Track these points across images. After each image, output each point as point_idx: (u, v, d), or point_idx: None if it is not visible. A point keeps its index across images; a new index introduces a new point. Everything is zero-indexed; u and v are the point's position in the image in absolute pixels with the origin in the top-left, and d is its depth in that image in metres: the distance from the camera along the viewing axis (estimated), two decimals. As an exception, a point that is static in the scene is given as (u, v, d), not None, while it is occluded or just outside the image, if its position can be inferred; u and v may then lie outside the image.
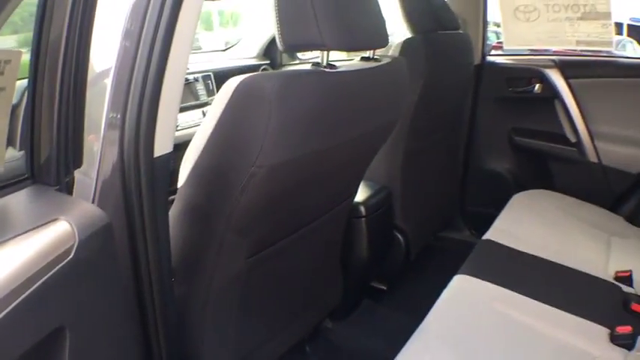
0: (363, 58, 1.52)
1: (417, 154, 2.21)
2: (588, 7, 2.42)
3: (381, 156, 1.78)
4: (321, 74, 1.28)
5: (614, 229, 2.30)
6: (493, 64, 2.77)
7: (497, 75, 2.75)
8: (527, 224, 2.14)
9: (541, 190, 2.49)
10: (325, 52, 1.29)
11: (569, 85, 2.59)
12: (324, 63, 1.30)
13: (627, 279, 1.85)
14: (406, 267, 2.32)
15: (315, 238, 1.68)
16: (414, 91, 2.03)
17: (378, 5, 1.43)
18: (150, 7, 1.04)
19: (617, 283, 1.81)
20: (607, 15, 2.43)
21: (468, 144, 2.79)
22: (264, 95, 1.16)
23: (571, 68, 2.62)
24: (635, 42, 9.85)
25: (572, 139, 2.63)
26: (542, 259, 1.88)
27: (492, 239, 1.95)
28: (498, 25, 2.72)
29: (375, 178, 2.10)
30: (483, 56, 2.76)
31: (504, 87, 2.73)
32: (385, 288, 2.33)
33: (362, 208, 1.99)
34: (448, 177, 2.65)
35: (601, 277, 1.84)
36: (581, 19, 2.46)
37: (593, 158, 2.58)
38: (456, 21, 2.35)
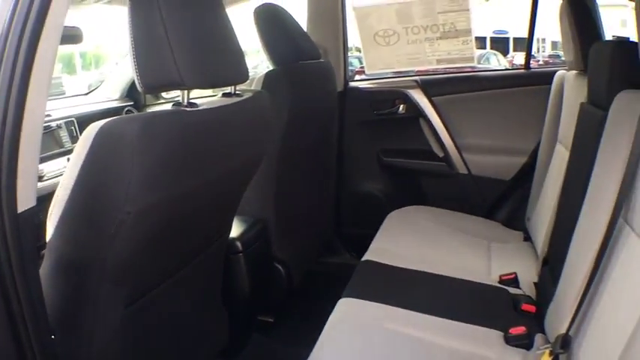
0: (224, 94, 1.55)
1: (290, 183, 2.25)
2: (447, 25, 2.59)
3: (252, 188, 1.79)
4: (182, 114, 1.29)
5: (493, 235, 2.44)
6: (356, 89, 2.88)
7: (361, 100, 2.86)
8: (405, 240, 2.23)
9: (415, 206, 2.60)
10: (185, 91, 1.31)
11: (433, 103, 2.75)
12: (185, 102, 1.31)
13: (513, 281, 1.95)
14: (290, 297, 2.36)
15: (194, 279, 1.67)
16: (281, 122, 2.07)
17: (237, 41, 1.46)
18: (5, 55, 1.02)
19: (503, 286, 1.91)
20: (467, 32, 2.61)
21: (339, 168, 2.87)
22: (124, 139, 1.15)
23: (433, 87, 2.78)
24: (498, 54, 10.47)
25: (440, 154, 2.79)
26: (424, 272, 1.95)
27: (372, 259, 2.00)
28: (360, 50, 2.85)
29: (249, 212, 2.10)
30: (346, 83, 2.86)
31: (369, 111, 2.84)
32: (272, 320, 2.34)
33: (238, 244, 1.99)
34: (323, 202, 2.71)
35: (486, 282, 1.93)
36: (440, 38, 2.63)
37: (462, 170, 2.75)
38: (316, 50, 2.43)
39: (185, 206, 1.37)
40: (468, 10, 2.57)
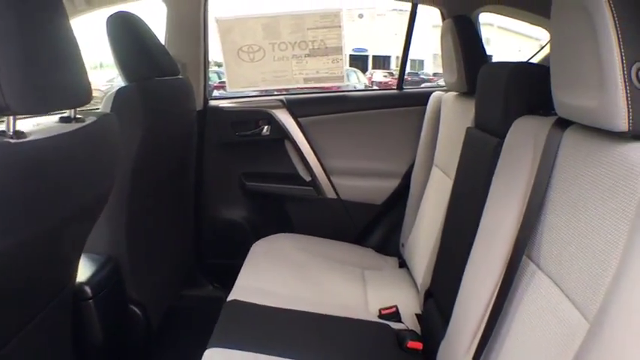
0: (62, 119, 1.32)
1: (144, 213, 2.04)
2: (317, 43, 2.46)
3: (101, 223, 1.60)
4: (6, 146, 1.06)
5: (366, 262, 2.35)
6: (217, 108, 2.69)
7: (222, 120, 2.67)
8: (273, 273, 2.07)
9: (282, 234, 2.45)
10: (11, 118, 1.08)
11: (299, 124, 2.62)
12: (11, 131, 1.08)
13: (394, 315, 1.86)
14: (150, 340, 2.12)
15: (41, 335, 1.47)
16: (132, 145, 1.85)
17: (80, 55, 1.25)
18: None
19: (384, 321, 1.81)
20: (338, 50, 2.50)
21: (198, 195, 2.68)
22: None
23: (300, 106, 2.65)
24: (358, 71, 10.67)
25: (307, 178, 2.66)
26: (297, 311, 1.80)
27: (238, 299, 1.83)
28: (220, 65, 2.67)
29: (98, 249, 1.88)
30: (206, 101, 2.67)
31: (230, 132, 2.66)
32: None
33: (87, 289, 1.75)
34: (182, 232, 2.50)
35: (366, 318, 1.82)
36: (309, 55, 2.49)
37: (331, 195, 2.63)
38: (174, 66, 2.22)
39: (18, 259, 1.14)
40: (339, 26, 2.45)
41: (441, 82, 2.63)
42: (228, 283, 1.99)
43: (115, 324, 1.91)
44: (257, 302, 1.80)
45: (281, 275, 2.07)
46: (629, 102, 0.87)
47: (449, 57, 2.08)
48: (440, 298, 1.74)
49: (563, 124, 1.14)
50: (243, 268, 2.09)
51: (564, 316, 0.99)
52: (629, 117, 0.87)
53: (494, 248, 1.27)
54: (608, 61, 0.88)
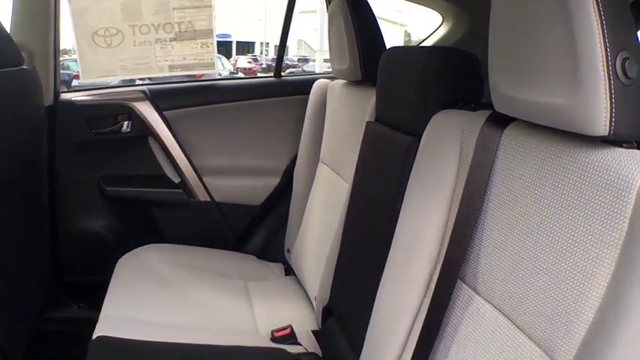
0: None
1: None
2: (184, 24, 2.20)
3: None
4: None
5: (248, 272, 2.15)
6: (69, 102, 2.33)
7: (75, 115, 2.33)
8: (143, 295, 1.82)
9: (150, 246, 2.19)
10: None
11: (164, 118, 2.33)
12: None
13: (289, 337, 1.67)
14: None
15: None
16: None
17: None
18: None
19: (278, 345, 1.62)
20: (208, 32, 2.24)
21: (51, 203, 2.34)
22: None
23: (164, 99, 2.36)
24: (223, 57, 10.27)
25: (176, 180, 2.39)
26: (174, 345, 1.55)
27: (104, 334, 1.55)
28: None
29: None
30: (56, 95, 2.31)
31: (86, 129, 2.31)
32: None
33: None
34: (37, 247, 2.18)
35: (257, 344, 1.62)
36: (175, 39, 2.22)
37: (204, 197, 2.37)
38: (18, 54, 1.88)
39: None
40: (210, 6, 2.19)
41: (307, 68, 2.43)
42: (95, 301, 1.79)
43: None
44: (126, 336, 1.54)
45: (152, 297, 1.81)
46: (612, 100, 0.70)
47: (339, 41, 1.88)
48: (344, 317, 1.56)
49: (499, 120, 0.98)
50: (108, 292, 1.81)
51: (521, 353, 0.84)
52: (610, 118, 0.71)
53: (415, 267, 1.11)
54: (585, 50, 0.71)
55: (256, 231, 2.43)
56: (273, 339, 1.66)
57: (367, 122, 1.58)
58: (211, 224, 2.39)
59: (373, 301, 1.26)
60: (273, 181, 2.39)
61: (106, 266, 2.03)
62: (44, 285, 2.25)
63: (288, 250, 2.19)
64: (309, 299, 1.92)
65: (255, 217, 2.42)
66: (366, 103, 1.64)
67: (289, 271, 2.18)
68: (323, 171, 2.02)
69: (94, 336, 1.53)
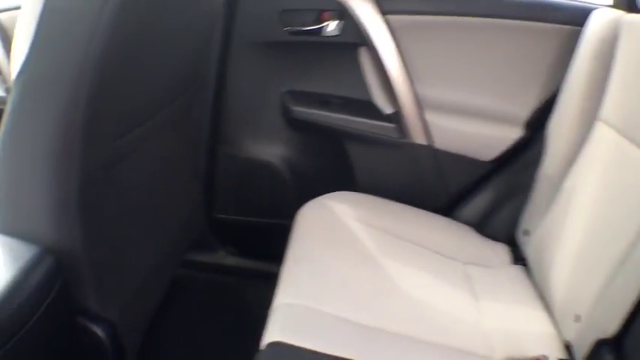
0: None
1: (117, 161, 1.29)
2: None
3: (35, 188, 1.11)
4: None
5: (467, 251, 1.62)
6: None
7: (264, 6, 1.83)
8: (332, 274, 1.36)
9: (343, 195, 1.71)
10: None
11: (388, 25, 1.76)
12: None
13: None
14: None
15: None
16: (96, 38, 1.06)
17: None
18: None
19: None
20: None
21: (214, 121, 1.90)
22: None
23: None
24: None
25: (387, 110, 1.84)
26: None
27: (281, 340, 1.12)
28: None
29: (29, 234, 1.16)
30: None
31: (276, 25, 1.82)
32: None
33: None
34: (190, 174, 1.77)
35: None
36: None
37: (420, 139, 1.81)
38: None
39: None
40: None
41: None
42: (249, 247, 1.64)
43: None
44: (308, 346, 1.12)
45: (343, 275, 1.36)
46: None
47: None
48: None
49: None
50: (285, 264, 1.40)
51: None
52: None
53: None
54: None
55: (478, 195, 1.85)
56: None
57: None
58: (422, 176, 1.85)
59: None
60: (513, 133, 1.79)
61: (272, 208, 1.80)
62: (194, 221, 1.84)
63: (526, 232, 1.62)
64: (551, 308, 1.38)
65: (481, 176, 1.84)
66: None
67: (518, 258, 1.64)
68: (605, 134, 1.42)
69: (268, 338, 1.14)
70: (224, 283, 1.65)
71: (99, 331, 1.26)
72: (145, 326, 1.51)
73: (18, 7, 1.11)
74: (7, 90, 1.76)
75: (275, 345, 1.11)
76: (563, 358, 1.24)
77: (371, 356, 1.10)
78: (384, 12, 1.76)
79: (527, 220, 1.64)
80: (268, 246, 1.73)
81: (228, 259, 2.00)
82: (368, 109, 1.84)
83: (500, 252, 1.67)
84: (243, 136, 1.92)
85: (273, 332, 1.15)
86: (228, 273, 1.75)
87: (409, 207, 1.74)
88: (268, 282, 1.47)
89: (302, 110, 1.87)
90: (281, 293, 1.27)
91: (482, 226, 1.77)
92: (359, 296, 1.29)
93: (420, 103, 1.79)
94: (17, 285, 1.05)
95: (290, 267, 1.37)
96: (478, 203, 1.83)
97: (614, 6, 1.59)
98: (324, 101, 1.87)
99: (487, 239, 1.72)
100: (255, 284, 1.80)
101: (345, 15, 1.78)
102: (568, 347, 1.26)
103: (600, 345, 1.16)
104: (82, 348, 1.28)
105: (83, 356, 1.29)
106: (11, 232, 1.15)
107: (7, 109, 1.11)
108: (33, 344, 1.08)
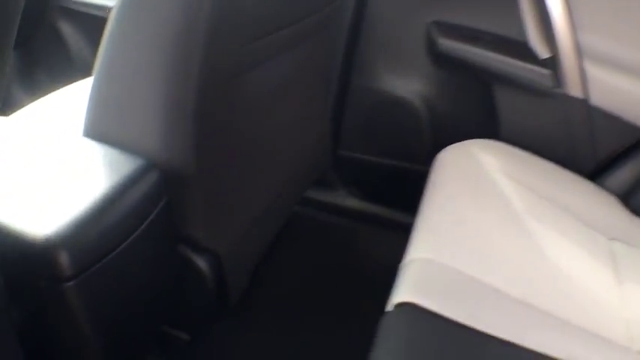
0: None
1: (243, 70, 1.18)
2: None
3: (144, 97, 1.02)
4: None
5: (612, 224, 1.45)
6: None
7: None
8: (473, 228, 1.23)
9: (486, 143, 1.56)
10: None
11: None
12: None
13: None
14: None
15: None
16: None
17: None
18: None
19: None
20: None
21: (349, 46, 1.75)
22: None
23: None
24: None
25: (544, 54, 1.64)
26: (511, 346, 0.97)
27: (411, 301, 1.00)
28: None
29: (134, 145, 1.06)
30: None
31: None
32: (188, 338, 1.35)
33: (63, 257, 0.88)
34: (317, 102, 1.65)
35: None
36: None
37: (576, 91, 1.62)
38: None
39: None
40: None
41: None
42: (373, 192, 1.59)
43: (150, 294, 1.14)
44: (442, 308, 1.00)
45: (486, 232, 1.23)
46: None
47: None
48: None
49: None
50: (422, 210, 1.28)
51: None
52: None
53: None
54: None
55: (629, 163, 1.67)
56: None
57: None
58: (571, 133, 1.67)
59: None
60: None
61: (404, 150, 1.68)
62: (320, 155, 1.73)
63: None
64: None
65: (635, 142, 1.65)
66: None
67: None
68: None
69: (397, 298, 1.01)
70: (343, 227, 1.56)
71: (202, 263, 1.17)
72: (253, 265, 1.41)
73: None
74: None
75: (406, 306, 0.99)
76: None
77: (522, 338, 0.98)
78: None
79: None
80: (395, 191, 1.63)
81: (349, 200, 1.89)
82: (521, 50, 1.66)
83: (648, 228, 1.51)
84: (379, 66, 1.78)
85: (405, 291, 1.02)
86: (348, 216, 1.64)
87: (555, 166, 1.59)
88: (393, 231, 1.36)
89: (449, 44, 1.70)
90: (415, 246, 1.15)
91: (629, 199, 1.60)
92: (506, 261, 1.16)
93: (580, 52, 1.61)
94: (116, 197, 0.97)
95: (427, 217, 1.24)
96: (627, 173, 1.65)
97: None
98: (474, 37, 1.70)
99: (634, 215, 1.56)
100: (378, 232, 1.71)
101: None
102: None
103: None
104: (182, 280, 1.20)
105: (181, 289, 1.20)
106: (115, 142, 1.07)
107: (119, 4, 1.01)
108: (127, 266, 1.00)
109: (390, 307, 1.00)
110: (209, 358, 1.48)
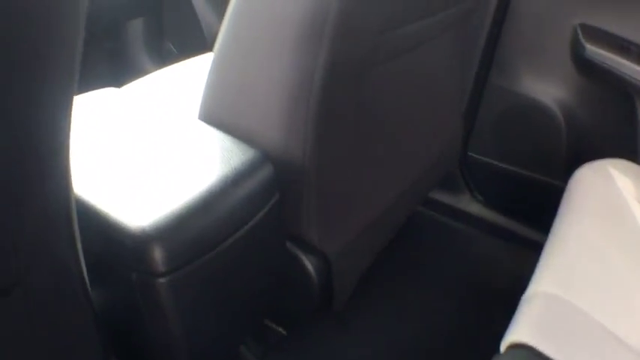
0: None
1: (377, 62, 1.07)
2: None
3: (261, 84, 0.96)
4: None
5: None
6: None
7: None
8: (607, 265, 1.11)
9: (626, 163, 1.40)
10: None
11: None
12: None
13: None
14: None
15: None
16: None
17: None
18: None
19: None
20: None
21: (490, 43, 1.64)
22: None
23: None
24: None
25: None
26: None
27: (524, 341, 0.89)
28: None
29: (248, 134, 1.01)
30: None
31: None
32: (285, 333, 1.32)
33: (157, 252, 0.83)
34: (451, 100, 1.56)
35: None
36: None
37: None
38: None
39: None
40: None
41: None
42: (498, 201, 1.54)
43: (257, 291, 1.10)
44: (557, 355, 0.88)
45: (628, 268, 1.09)
46: None
47: None
48: None
49: None
50: (553, 233, 1.15)
51: None
52: None
53: None
54: None
55: None
56: None
57: None
58: None
59: None
60: None
61: (538, 160, 1.57)
62: (448, 157, 1.65)
63: None
64: None
65: None
66: None
67: None
68: None
69: (513, 337, 0.90)
70: (462, 233, 1.47)
71: (309, 264, 1.11)
72: (363, 270, 1.33)
73: None
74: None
75: (521, 349, 0.88)
76: None
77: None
78: None
79: None
80: (523, 203, 1.54)
81: (472, 205, 1.78)
82: None
83: None
84: (519, 67, 1.66)
85: (523, 330, 0.91)
86: (469, 222, 1.55)
87: None
88: (516, 245, 1.28)
89: (597, 51, 1.58)
90: (541, 275, 1.04)
91: None
92: (635, 308, 1.06)
93: None
94: (226, 191, 0.91)
95: (557, 244, 1.15)
96: None
97: None
98: (623, 47, 1.58)
99: None
100: (499, 244, 1.61)
101: None
102: None
103: None
104: (287, 279, 1.16)
105: (285, 287, 1.17)
106: (229, 129, 1.02)
107: None
108: (229, 265, 0.94)
109: (504, 345, 0.92)
110: (304, 353, 1.44)
